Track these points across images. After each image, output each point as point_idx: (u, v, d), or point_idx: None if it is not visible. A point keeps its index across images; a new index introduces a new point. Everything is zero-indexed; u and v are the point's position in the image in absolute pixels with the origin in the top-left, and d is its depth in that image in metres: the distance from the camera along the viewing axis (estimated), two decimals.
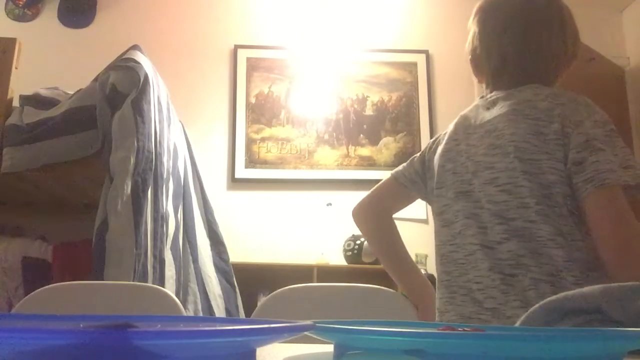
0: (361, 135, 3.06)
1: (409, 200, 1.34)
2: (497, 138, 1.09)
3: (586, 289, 0.95)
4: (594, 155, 1.01)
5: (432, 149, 1.29)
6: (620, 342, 0.44)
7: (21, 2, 3.10)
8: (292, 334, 0.42)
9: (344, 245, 2.71)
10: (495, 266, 1.03)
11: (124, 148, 1.66)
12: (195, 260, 2.06)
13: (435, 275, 2.88)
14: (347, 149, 3.03)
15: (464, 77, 3.29)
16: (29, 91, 2.04)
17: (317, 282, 2.43)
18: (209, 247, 2.23)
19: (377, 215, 1.33)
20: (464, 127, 1.21)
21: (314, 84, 3.11)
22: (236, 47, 3.12)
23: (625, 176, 0.98)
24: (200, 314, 1.96)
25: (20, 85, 2.05)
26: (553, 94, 1.09)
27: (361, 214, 1.34)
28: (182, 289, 1.92)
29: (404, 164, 1.33)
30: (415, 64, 3.20)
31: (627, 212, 0.98)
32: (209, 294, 2.07)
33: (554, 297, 0.98)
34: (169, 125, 1.96)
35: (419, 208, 2.93)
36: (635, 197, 1.01)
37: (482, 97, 1.25)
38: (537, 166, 1.03)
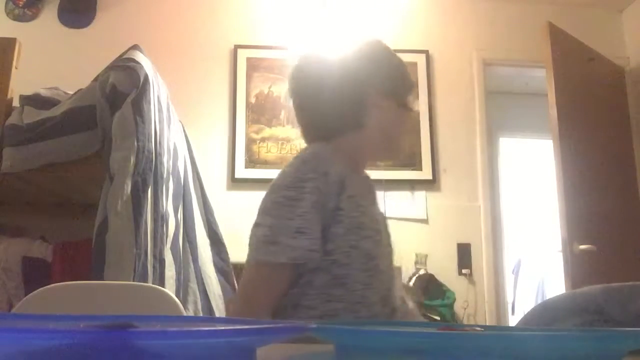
0: None
1: None
2: None
3: (586, 288, 0.96)
4: (253, 228, 1.00)
5: None
6: (620, 342, 0.44)
7: (21, 2, 3.09)
8: (292, 334, 0.42)
9: None
10: None
11: (124, 148, 1.66)
12: (195, 260, 2.06)
13: (435, 275, 2.91)
14: None
15: (464, 77, 3.30)
16: (29, 91, 2.03)
17: None
18: (209, 247, 2.23)
19: None
20: None
21: None
22: (236, 47, 3.12)
23: (268, 255, 0.95)
24: (200, 314, 1.96)
25: (20, 85, 2.05)
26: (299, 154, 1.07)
27: None
28: (182, 289, 1.92)
29: None
30: (415, 64, 3.20)
31: (251, 291, 1.00)
32: (209, 294, 2.06)
33: (554, 297, 0.99)
34: (169, 125, 1.96)
35: (419, 208, 2.93)
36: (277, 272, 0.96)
37: None
38: None
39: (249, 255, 1.00)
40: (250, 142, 3.00)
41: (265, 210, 0.99)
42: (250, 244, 0.99)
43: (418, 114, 3.13)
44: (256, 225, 0.99)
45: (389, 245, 1.07)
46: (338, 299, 0.95)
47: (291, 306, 0.98)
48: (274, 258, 0.94)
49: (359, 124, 1.10)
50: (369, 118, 1.10)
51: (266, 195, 1.01)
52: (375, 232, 1.01)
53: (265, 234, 0.96)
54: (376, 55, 1.15)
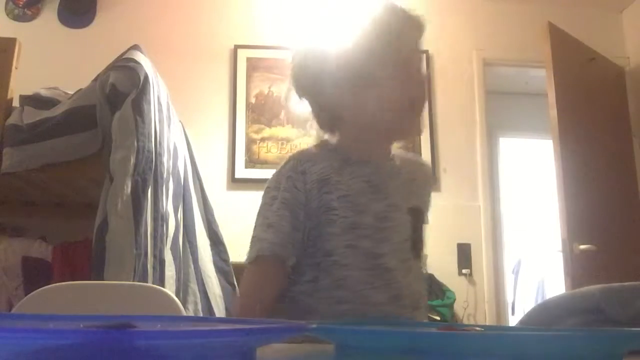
0: None
1: None
2: None
3: (586, 288, 0.96)
4: None
5: None
6: (620, 342, 0.44)
7: (21, 2, 3.09)
8: (292, 334, 0.42)
9: None
10: None
11: (124, 148, 1.66)
12: (195, 261, 2.06)
13: (435, 275, 2.90)
14: None
15: (464, 77, 3.30)
16: (29, 91, 2.03)
17: None
18: (209, 247, 2.23)
19: None
20: None
21: None
22: (236, 47, 3.12)
23: (249, 253, 0.99)
24: (200, 314, 1.96)
25: (20, 85, 2.05)
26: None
27: None
28: (182, 289, 1.92)
29: None
30: None
31: (244, 290, 1.05)
32: (209, 294, 2.07)
33: (554, 297, 0.98)
34: (169, 125, 1.96)
35: None
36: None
37: None
38: None
39: None
40: (250, 142, 3.00)
41: (258, 211, 1.03)
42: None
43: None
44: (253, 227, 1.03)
45: (405, 241, 1.01)
46: (343, 301, 0.95)
47: (296, 308, 0.98)
48: (250, 254, 0.98)
49: (339, 118, 1.05)
50: (348, 110, 1.03)
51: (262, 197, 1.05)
52: (376, 230, 0.97)
53: (253, 234, 1.00)
54: (345, 36, 1.05)
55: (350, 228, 0.96)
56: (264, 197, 1.02)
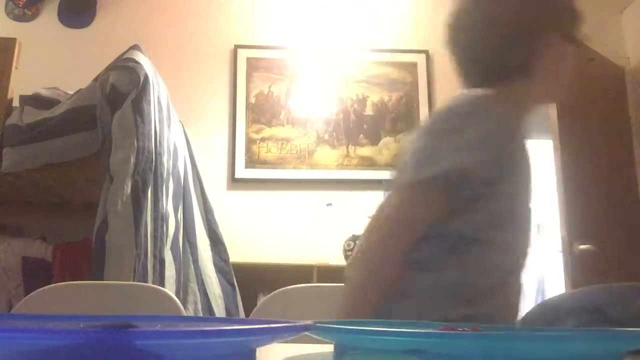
0: (361, 135, 3.06)
1: None
2: None
3: (586, 288, 0.95)
4: (407, 160, 0.95)
5: None
6: (620, 342, 0.44)
7: (21, 2, 3.10)
8: (292, 334, 0.42)
9: (344, 245, 2.71)
10: None
11: (124, 148, 1.66)
12: (195, 261, 2.06)
13: None
14: (347, 149, 3.03)
15: None
16: (29, 91, 2.03)
17: (317, 282, 2.43)
18: (209, 247, 2.23)
19: None
20: None
21: (314, 84, 3.11)
22: (236, 47, 3.12)
23: (420, 173, 0.89)
24: (200, 314, 1.96)
25: (20, 85, 2.05)
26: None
27: None
28: (182, 289, 1.92)
29: None
30: (415, 64, 3.20)
31: (388, 214, 0.91)
32: (209, 294, 2.07)
33: (554, 297, 0.98)
34: (169, 125, 1.96)
35: None
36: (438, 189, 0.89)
37: None
38: None
39: (396, 186, 0.94)
40: (250, 142, 3.00)
41: (424, 134, 0.94)
42: (401, 173, 0.95)
43: (418, 110, 3.13)
44: (411, 154, 0.93)
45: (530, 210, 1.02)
46: (505, 229, 0.94)
47: (456, 234, 0.92)
48: (426, 174, 0.89)
49: (528, 69, 0.96)
50: (540, 62, 0.96)
51: (427, 126, 0.97)
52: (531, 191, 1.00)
53: (419, 158, 0.91)
54: None
55: (524, 180, 0.96)
56: (449, 122, 0.92)
